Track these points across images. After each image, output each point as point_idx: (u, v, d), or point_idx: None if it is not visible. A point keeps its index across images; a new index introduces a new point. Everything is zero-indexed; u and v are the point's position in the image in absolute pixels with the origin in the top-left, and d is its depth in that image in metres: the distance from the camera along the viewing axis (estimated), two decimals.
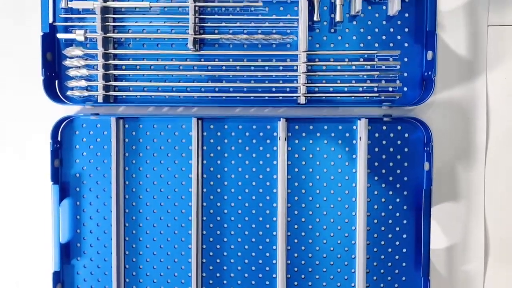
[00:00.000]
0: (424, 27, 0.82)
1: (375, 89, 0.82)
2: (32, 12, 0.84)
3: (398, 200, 0.84)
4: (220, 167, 0.85)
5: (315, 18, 0.81)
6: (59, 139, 0.85)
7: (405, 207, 0.84)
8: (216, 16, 0.83)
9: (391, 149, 0.84)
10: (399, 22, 0.83)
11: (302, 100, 0.81)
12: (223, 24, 0.83)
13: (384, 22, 0.83)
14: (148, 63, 0.84)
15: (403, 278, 0.84)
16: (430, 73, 0.79)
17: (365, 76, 0.83)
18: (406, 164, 0.84)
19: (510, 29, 0.83)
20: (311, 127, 0.85)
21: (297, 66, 0.82)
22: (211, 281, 0.85)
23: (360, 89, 0.83)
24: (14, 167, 0.87)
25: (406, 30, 0.83)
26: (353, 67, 0.83)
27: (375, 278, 0.84)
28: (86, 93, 0.82)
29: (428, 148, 0.81)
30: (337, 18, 0.80)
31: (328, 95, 0.83)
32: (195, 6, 0.81)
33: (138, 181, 0.86)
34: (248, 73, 0.83)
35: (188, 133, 0.85)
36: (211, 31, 0.83)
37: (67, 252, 0.85)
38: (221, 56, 0.83)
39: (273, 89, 0.84)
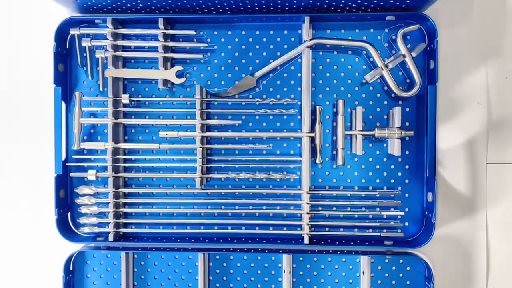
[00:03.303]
0: (424, 165, 0.84)
1: (378, 224, 0.84)
2: (45, 148, 0.88)
3: None
4: None
5: (317, 161, 0.83)
6: (71, 268, 0.88)
7: None
8: (223, 157, 0.86)
9: (393, 282, 0.86)
10: (399, 160, 0.85)
11: (306, 239, 0.83)
12: (230, 164, 0.86)
13: (385, 159, 0.86)
14: (157, 201, 0.87)
15: None
16: (430, 215, 0.81)
17: (367, 210, 0.85)
18: None
19: (508, 167, 0.85)
20: (315, 259, 0.87)
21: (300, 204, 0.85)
22: None
23: (363, 222, 0.85)
24: None
25: (407, 167, 0.85)
26: (356, 201, 0.85)
27: None
28: (97, 230, 0.86)
29: (429, 285, 0.83)
30: (339, 163, 0.83)
31: (332, 233, 0.85)
32: (202, 148, 0.84)
33: None
34: (251, 210, 0.86)
35: (195, 263, 0.87)
36: (218, 167, 0.86)
37: None
38: (228, 194, 0.87)
39: (277, 221, 0.86)
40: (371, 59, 0.84)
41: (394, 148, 0.82)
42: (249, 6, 0.81)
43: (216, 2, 0.79)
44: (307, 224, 0.84)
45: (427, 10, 0.82)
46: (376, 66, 0.83)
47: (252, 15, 0.84)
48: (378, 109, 0.85)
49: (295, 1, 0.78)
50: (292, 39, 0.86)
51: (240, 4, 0.80)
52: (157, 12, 0.85)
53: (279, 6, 0.80)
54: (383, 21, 0.84)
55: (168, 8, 0.83)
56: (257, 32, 0.86)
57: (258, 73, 0.85)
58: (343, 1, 0.78)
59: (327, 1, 0.78)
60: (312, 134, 0.83)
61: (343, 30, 0.85)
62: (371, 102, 0.85)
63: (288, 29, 0.86)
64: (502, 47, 0.85)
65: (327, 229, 0.85)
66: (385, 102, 0.85)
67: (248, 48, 0.86)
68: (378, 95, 0.85)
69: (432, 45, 0.81)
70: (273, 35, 0.86)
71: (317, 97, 0.86)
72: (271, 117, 0.87)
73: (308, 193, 0.84)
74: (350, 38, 0.85)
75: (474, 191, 0.85)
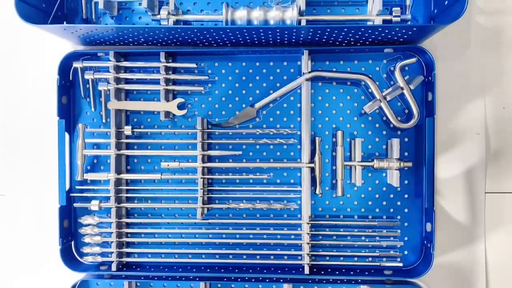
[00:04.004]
0: (423, 195, 0.85)
1: (378, 253, 0.85)
2: (49, 177, 0.90)
3: None
4: None
5: (317, 192, 0.84)
6: None
7: None
8: (224, 186, 0.87)
9: None
10: (398, 189, 0.86)
11: (306, 269, 0.84)
12: (230, 194, 0.87)
13: (384, 189, 0.87)
14: (159, 231, 0.88)
15: None
16: (429, 245, 0.82)
17: (366, 240, 0.86)
18: None
19: (507, 196, 0.86)
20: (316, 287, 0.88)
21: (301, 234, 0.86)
22: None
23: (363, 251, 0.86)
24: None
25: (406, 196, 0.86)
26: (355, 230, 0.86)
27: None
28: (100, 259, 0.87)
29: None
30: (339, 193, 0.84)
31: (332, 263, 0.86)
32: (203, 179, 0.86)
33: None
34: (252, 240, 0.87)
35: None
36: (219, 196, 0.88)
37: None
38: (228, 223, 0.88)
39: (278, 249, 0.87)
40: (370, 90, 0.85)
41: (393, 179, 0.83)
42: (248, 40, 0.82)
43: (217, 37, 0.80)
44: (307, 254, 0.85)
45: (425, 42, 0.83)
46: (375, 97, 0.84)
47: (252, 48, 0.86)
48: (377, 139, 0.86)
49: (293, 36, 0.79)
50: (292, 70, 0.87)
51: (240, 39, 0.81)
52: (159, 45, 0.87)
53: (279, 40, 0.82)
54: (381, 52, 0.85)
55: (169, 42, 0.84)
56: (257, 64, 0.87)
57: (258, 105, 0.86)
58: (341, 36, 0.79)
59: (325, 36, 0.79)
60: (312, 165, 0.84)
61: (342, 62, 0.86)
62: (370, 132, 0.86)
63: (287, 61, 0.87)
64: (499, 78, 0.86)
65: (327, 258, 0.86)
66: (384, 132, 0.86)
67: (248, 79, 0.88)
68: (377, 125, 0.86)
69: (430, 78, 0.82)
70: (273, 66, 0.87)
71: (317, 127, 0.87)
72: (271, 146, 0.88)
73: (308, 223, 0.85)
74: (348, 69, 0.86)
75: (473, 220, 0.86)
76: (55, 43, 0.88)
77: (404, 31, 0.75)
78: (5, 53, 0.92)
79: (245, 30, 0.75)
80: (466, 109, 0.86)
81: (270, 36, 0.79)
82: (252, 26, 0.80)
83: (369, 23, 0.82)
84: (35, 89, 0.91)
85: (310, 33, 0.77)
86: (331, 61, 0.86)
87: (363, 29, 0.74)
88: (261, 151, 0.88)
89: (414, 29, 0.74)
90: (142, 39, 0.83)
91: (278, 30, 0.75)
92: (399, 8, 0.80)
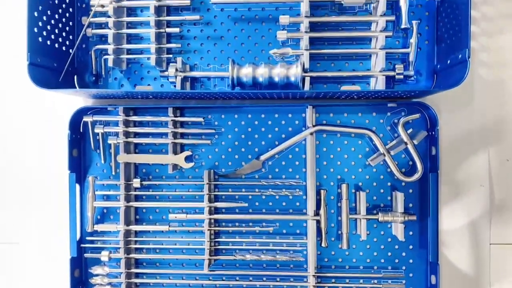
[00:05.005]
0: (428, 246, 0.85)
1: None
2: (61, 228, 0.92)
3: None
4: None
5: (322, 245, 0.86)
6: None
7: None
8: (230, 237, 0.89)
9: None
10: (403, 240, 0.87)
11: None
12: (237, 244, 0.89)
13: (389, 240, 0.87)
14: (167, 281, 0.90)
15: None
16: None
17: None
18: None
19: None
20: None
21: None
22: None
23: None
24: None
25: (411, 247, 0.87)
26: (361, 281, 0.87)
27: None
28: None
29: None
30: (344, 247, 0.85)
31: None
32: (209, 230, 0.87)
33: None
34: None
35: None
36: (226, 247, 0.89)
37: None
38: (236, 274, 0.89)
39: None
40: (374, 142, 0.86)
41: (398, 232, 0.84)
42: (253, 97, 0.84)
43: (223, 96, 0.82)
44: None
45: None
46: (379, 150, 0.85)
47: (257, 103, 0.88)
48: (381, 191, 0.87)
49: (298, 94, 0.81)
50: (297, 122, 0.88)
51: (245, 96, 0.83)
52: (167, 99, 0.89)
53: (283, 96, 0.83)
54: (385, 106, 0.86)
55: (177, 97, 0.86)
56: (263, 116, 0.89)
57: (263, 157, 0.88)
58: (345, 94, 0.80)
59: (330, 94, 0.80)
60: (317, 218, 0.85)
61: (345, 114, 0.88)
62: (374, 184, 0.87)
63: (292, 113, 0.88)
64: (502, 130, 0.86)
65: None
66: (389, 184, 0.87)
67: (254, 130, 0.89)
68: (381, 177, 0.87)
69: (433, 132, 0.83)
70: (278, 118, 0.89)
71: (322, 178, 0.88)
72: (277, 197, 0.89)
73: (314, 275, 0.86)
74: (353, 121, 0.87)
75: (477, 271, 0.87)
76: (66, 97, 0.91)
77: (406, 92, 0.76)
78: (17, 109, 0.94)
79: (251, 94, 0.77)
80: (470, 161, 0.87)
81: (275, 94, 0.80)
82: (257, 91, 0.81)
83: (372, 80, 0.83)
84: (47, 141, 0.94)
85: (314, 94, 0.78)
86: (335, 113, 0.88)
87: (364, 92, 0.75)
88: (267, 201, 0.89)
89: (416, 91, 0.75)
90: (150, 96, 0.85)
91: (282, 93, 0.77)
92: (402, 65, 0.82)
